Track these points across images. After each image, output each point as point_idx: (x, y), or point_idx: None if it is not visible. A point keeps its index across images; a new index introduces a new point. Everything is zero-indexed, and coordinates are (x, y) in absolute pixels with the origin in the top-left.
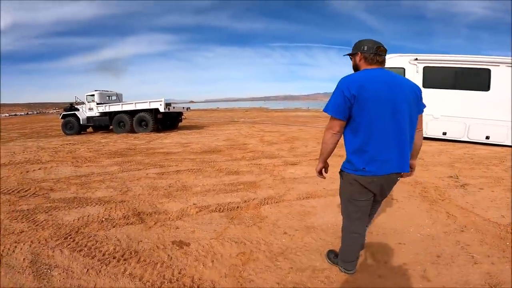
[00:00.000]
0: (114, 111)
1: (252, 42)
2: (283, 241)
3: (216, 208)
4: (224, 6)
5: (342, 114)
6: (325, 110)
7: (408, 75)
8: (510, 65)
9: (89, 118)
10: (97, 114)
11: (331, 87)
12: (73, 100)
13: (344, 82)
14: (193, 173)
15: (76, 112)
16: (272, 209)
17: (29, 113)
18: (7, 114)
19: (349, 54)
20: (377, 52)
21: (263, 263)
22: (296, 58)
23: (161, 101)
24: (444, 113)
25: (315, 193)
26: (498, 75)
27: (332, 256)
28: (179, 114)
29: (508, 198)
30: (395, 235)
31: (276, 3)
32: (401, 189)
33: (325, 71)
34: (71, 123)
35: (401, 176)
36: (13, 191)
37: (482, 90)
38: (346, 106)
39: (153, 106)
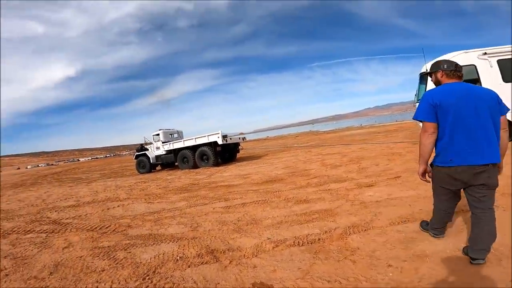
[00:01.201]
0: (178, 148)
1: (291, 65)
2: (390, 276)
3: (294, 242)
4: (257, 35)
5: (431, 117)
6: (415, 118)
7: (481, 72)
8: None
9: (157, 157)
10: (164, 152)
11: (380, 100)
12: (142, 141)
13: (428, 95)
14: (260, 205)
15: (146, 152)
16: (362, 238)
17: (107, 155)
18: (90, 158)
19: (428, 73)
20: (456, 69)
21: None
22: (338, 75)
23: (218, 133)
24: None
25: (411, 216)
26: None
27: (424, 224)
28: (236, 145)
29: None
30: None
31: (305, 24)
32: None
33: (371, 84)
34: (143, 162)
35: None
36: (95, 228)
37: None
38: (433, 111)
39: (211, 139)
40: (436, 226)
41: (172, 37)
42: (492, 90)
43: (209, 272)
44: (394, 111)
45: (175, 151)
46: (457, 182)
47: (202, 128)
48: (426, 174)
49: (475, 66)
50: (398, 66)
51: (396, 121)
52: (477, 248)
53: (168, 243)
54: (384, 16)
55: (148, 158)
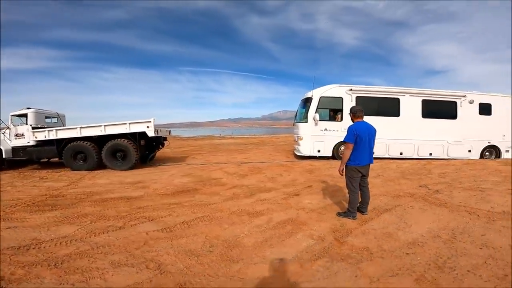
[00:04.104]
0: (67, 138)
1: (159, 64)
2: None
3: (308, 256)
4: (132, 25)
5: (353, 141)
6: (346, 140)
7: (345, 104)
8: (413, 95)
9: (17, 149)
10: (32, 143)
11: (233, 113)
12: None
13: (353, 128)
14: (210, 223)
15: None
16: (357, 239)
17: None
18: None
19: (349, 114)
20: (357, 112)
21: None
22: (204, 83)
23: (150, 121)
24: None
25: (363, 216)
26: (404, 103)
27: (342, 213)
28: (163, 140)
29: (472, 197)
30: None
31: (190, 27)
32: (409, 200)
33: (230, 97)
34: None
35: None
36: None
37: (395, 116)
38: (354, 137)
39: (135, 129)
40: (353, 210)
41: (8, 7)
42: (373, 127)
43: None
44: (243, 125)
45: (59, 142)
46: (359, 173)
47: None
48: (342, 170)
49: (342, 99)
50: (255, 85)
51: (250, 134)
52: (365, 206)
53: None
54: (258, 37)
55: None
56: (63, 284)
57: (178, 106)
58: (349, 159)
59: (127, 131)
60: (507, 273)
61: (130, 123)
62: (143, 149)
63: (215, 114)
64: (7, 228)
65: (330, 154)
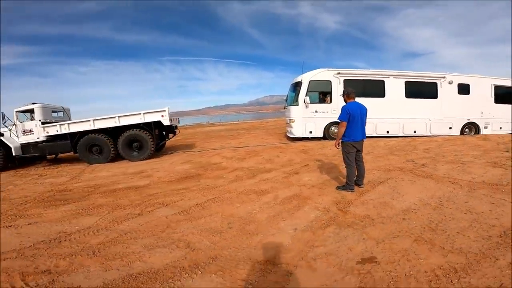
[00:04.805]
0: (80, 132)
1: (138, 55)
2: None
3: (319, 225)
4: (106, 17)
5: (346, 119)
6: (340, 119)
7: (333, 87)
8: (397, 77)
9: (26, 146)
10: (43, 138)
11: (220, 100)
12: None
13: (346, 107)
14: (223, 203)
15: (2, 138)
16: (358, 208)
17: None
18: None
19: (342, 95)
20: (350, 93)
21: None
22: (187, 72)
23: (164, 110)
24: None
25: (359, 190)
26: (389, 85)
27: (341, 187)
28: (175, 128)
29: (454, 169)
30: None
31: (169, 16)
32: (399, 174)
33: (215, 84)
34: None
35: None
36: None
37: (381, 97)
38: (347, 116)
39: (150, 119)
40: (351, 182)
41: None
42: (365, 106)
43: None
44: (230, 112)
45: (72, 136)
46: (354, 148)
47: None
48: (338, 145)
49: (330, 82)
50: (239, 71)
51: (238, 120)
52: (361, 179)
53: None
54: (240, 23)
55: (8, 148)
56: (109, 270)
57: (162, 96)
58: (344, 136)
59: (142, 121)
60: (491, 235)
61: (144, 113)
62: (157, 139)
63: (201, 102)
64: (28, 224)
65: (321, 135)
